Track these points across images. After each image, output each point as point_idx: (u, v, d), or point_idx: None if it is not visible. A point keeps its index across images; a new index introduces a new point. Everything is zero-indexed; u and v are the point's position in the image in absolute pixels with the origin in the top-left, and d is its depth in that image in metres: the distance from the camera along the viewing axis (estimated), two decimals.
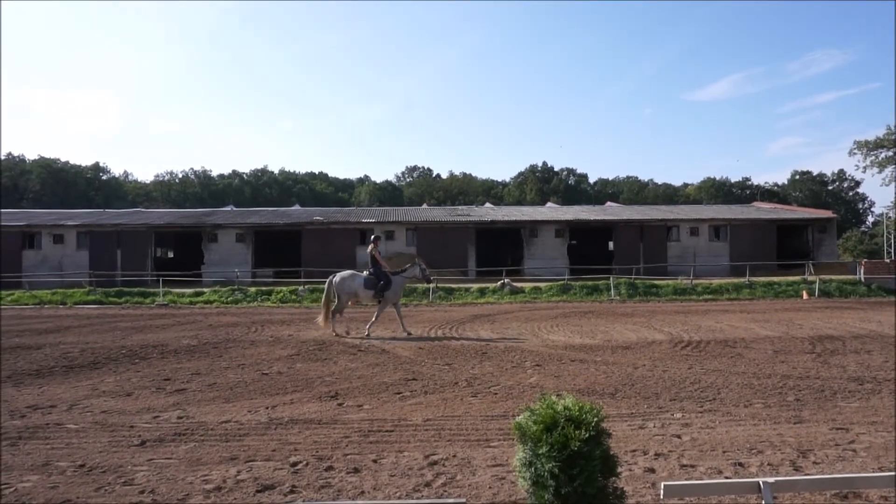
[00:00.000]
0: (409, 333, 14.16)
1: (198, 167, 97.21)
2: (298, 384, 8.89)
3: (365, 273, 14.68)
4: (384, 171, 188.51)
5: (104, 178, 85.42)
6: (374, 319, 14.56)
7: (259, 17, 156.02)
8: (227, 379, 9.29)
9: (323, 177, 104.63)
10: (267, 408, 7.47)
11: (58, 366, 10.43)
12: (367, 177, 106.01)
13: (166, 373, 9.81)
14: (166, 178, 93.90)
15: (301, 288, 27.49)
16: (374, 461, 5.47)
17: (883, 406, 7.46)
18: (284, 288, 27.80)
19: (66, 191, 74.96)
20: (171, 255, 48.54)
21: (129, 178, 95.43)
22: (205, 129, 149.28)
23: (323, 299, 14.86)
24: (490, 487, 4.81)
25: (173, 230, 39.73)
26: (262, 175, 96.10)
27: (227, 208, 53.50)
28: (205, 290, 28.01)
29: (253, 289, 27.96)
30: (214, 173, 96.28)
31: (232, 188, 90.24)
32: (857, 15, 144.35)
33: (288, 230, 38.63)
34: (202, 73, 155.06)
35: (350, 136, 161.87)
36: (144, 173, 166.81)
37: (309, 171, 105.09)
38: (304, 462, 5.45)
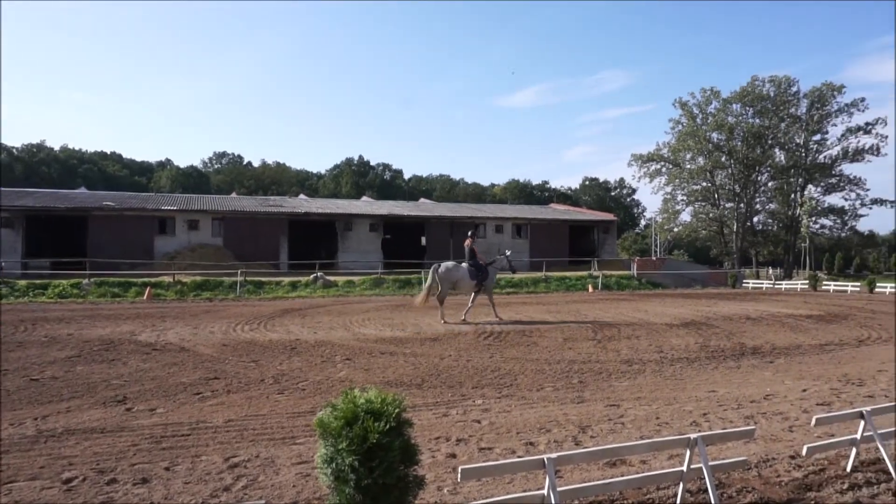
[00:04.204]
0: (501, 319, 15.72)
1: None
2: (78, 390, 7.90)
3: (465, 265, 15.79)
4: (189, 155, 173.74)
5: None
6: (493, 308, 16.11)
7: None
8: None
9: (116, 157, 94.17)
10: (36, 419, 6.53)
11: None
12: (168, 160, 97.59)
13: None
14: None
15: (86, 281, 24.50)
16: (167, 469, 5.05)
17: (646, 383, 8.66)
18: (64, 281, 24.52)
19: None
20: None
21: None
22: None
23: (426, 285, 16.06)
24: (294, 486, 4.71)
25: None
26: (38, 151, 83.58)
27: None
28: None
29: (23, 282, 24.24)
30: None
31: None
32: (637, 44, 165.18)
33: (71, 216, 34.14)
34: None
35: (151, 114, 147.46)
36: None
37: (99, 150, 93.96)
38: (81, 477, 4.84)
